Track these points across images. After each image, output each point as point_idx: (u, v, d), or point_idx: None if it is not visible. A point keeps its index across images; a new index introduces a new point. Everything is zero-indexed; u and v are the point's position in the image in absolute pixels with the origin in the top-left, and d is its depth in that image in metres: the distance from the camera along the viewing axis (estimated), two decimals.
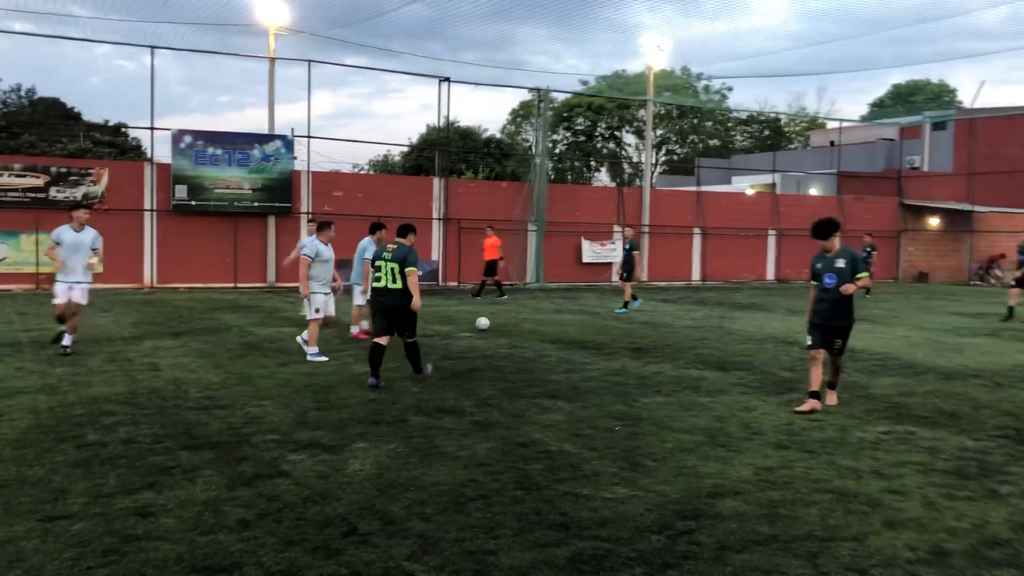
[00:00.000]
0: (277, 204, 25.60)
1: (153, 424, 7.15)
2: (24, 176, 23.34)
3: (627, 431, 7.19)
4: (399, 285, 9.11)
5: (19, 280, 22.99)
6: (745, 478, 5.84)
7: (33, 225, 23.15)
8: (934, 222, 36.50)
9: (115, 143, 43.31)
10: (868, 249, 26.09)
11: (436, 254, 27.92)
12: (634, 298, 19.28)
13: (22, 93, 48.38)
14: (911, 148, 41.38)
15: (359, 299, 13.25)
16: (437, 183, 28.31)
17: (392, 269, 9.13)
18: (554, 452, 6.46)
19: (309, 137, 26.65)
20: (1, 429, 6.84)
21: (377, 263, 9.32)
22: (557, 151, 58.72)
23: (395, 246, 9.35)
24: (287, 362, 10.64)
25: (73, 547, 4.36)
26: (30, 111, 44.13)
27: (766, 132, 63.42)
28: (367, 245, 12.74)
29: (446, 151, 31.75)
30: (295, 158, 26.20)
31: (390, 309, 9.18)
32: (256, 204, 25.31)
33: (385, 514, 4.99)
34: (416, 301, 9.12)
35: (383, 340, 9.16)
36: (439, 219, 27.86)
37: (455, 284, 27.44)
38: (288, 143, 25.90)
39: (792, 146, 61.63)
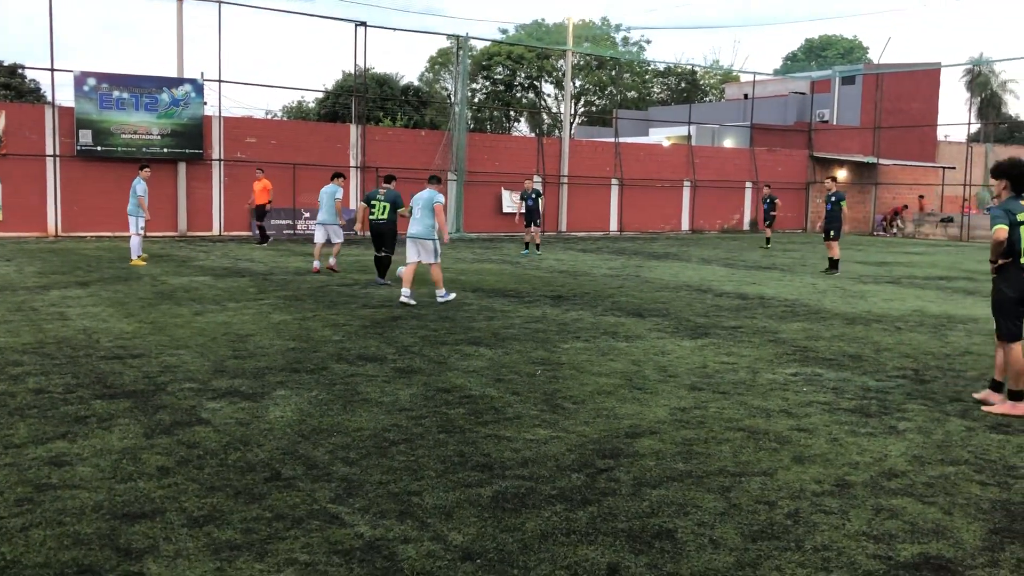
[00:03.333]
0: (188, 150, 24.77)
1: (64, 374, 6.95)
2: None
3: (548, 375, 7.32)
4: (387, 217, 13.60)
5: None
6: (661, 418, 6.04)
7: None
8: (842, 174, 37.66)
9: (11, 85, 41.11)
10: (769, 199, 26.68)
11: (354, 203, 27.53)
12: (526, 246, 20.56)
13: None
14: (821, 102, 42.41)
15: (325, 237, 15.55)
16: (354, 130, 27.82)
17: (385, 207, 13.60)
18: (476, 396, 6.54)
19: (220, 81, 25.77)
20: None
21: (372, 202, 13.74)
22: (476, 100, 58.22)
23: (385, 190, 13.72)
24: (202, 311, 10.42)
25: None
26: None
27: (682, 85, 64.07)
28: (334, 190, 15.47)
29: (362, 98, 31.17)
30: (205, 103, 25.37)
31: (380, 233, 13.73)
32: (165, 150, 24.45)
33: (308, 459, 5.00)
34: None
35: (381, 253, 13.87)
36: (356, 167, 27.43)
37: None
38: (198, 87, 25.01)
39: (707, 99, 62.47)
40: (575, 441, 5.45)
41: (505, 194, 29.90)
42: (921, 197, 38.62)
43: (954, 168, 38.68)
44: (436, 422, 5.83)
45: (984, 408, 6.48)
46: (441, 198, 11.52)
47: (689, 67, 61.51)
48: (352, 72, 33.60)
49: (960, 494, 4.66)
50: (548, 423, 5.86)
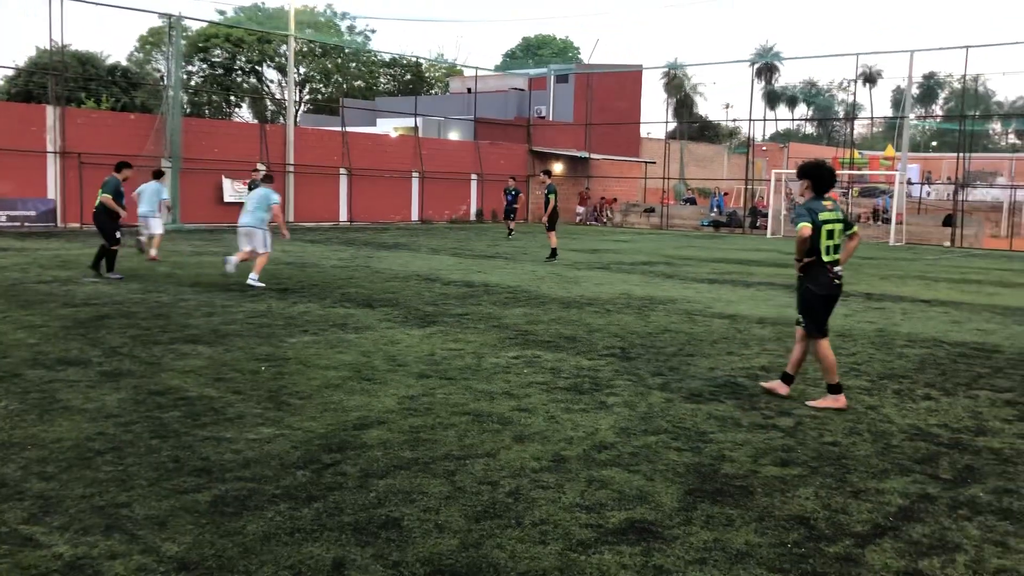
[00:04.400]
0: None
1: None
2: None
3: (273, 372, 7.10)
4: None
5: None
6: (390, 408, 6.06)
7: None
8: (558, 168, 39.86)
9: None
10: (514, 192, 27.58)
11: (53, 192, 25.01)
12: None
13: None
14: (538, 99, 44.62)
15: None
16: (51, 112, 25.22)
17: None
18: (194, 398, 6.20)
19: None
20: None
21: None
22: (193, 83, 54.96)
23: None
24: None
25: None
26: None
27: (408, 76, 64.61)
28: (158, 189, 15.65)
29: (61, 76, 28.34)
30: None
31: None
32: None
33: None
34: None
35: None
36: (55, 152, 24.91)
37: (77, 225, 24.82)
38: None
39: (433, 91, 63.48)
40: (301, 437, 5.33)
41: (226, 183, 28.53)
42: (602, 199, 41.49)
43: (655, 163, 42.31)
44: (148, 427, 5.45)
45: (808, 403, 6.54)
46: (277, 198, 12.77)
47: (414, 59, 62.16)
48: (48, 48, 30.44)
49: (660, 461, 5.11)
50: (272, 421, 5.68)
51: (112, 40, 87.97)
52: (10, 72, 43.85)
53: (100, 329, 8.77)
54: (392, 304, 11.13)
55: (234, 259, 12.74)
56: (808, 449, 5.44)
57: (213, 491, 4.38)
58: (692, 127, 65.84)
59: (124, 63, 53.05)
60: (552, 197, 18.93)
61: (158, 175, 15.93)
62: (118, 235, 13.17)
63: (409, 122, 39.23)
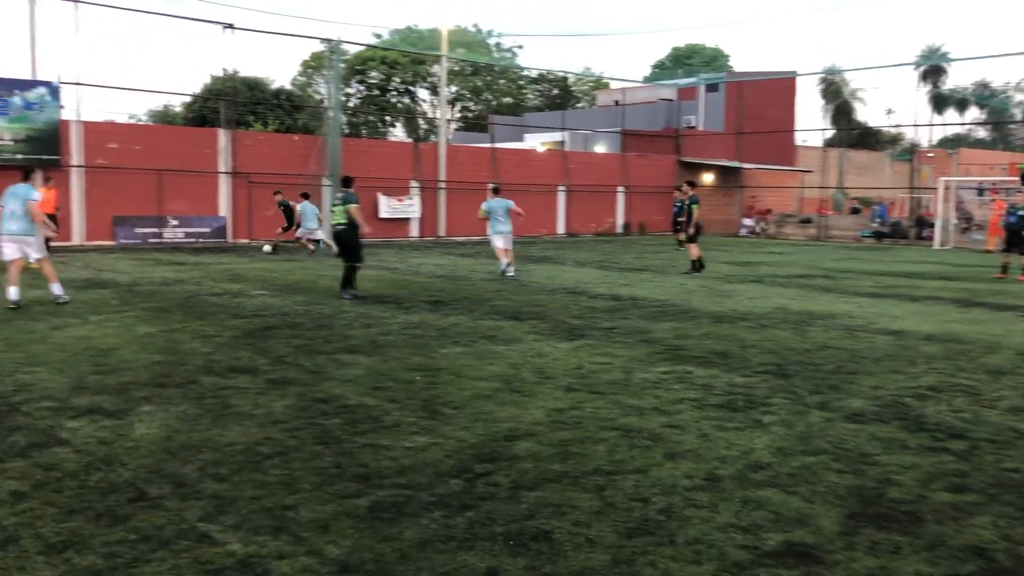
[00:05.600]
0: (44, 156, 23.43)
1: None
2: None
3: (426, 382, 7.29)
4: (346, 221, 13.08)
5: None
6: (538, 420, 6.11)
7: None
8: (708, 178, 39.11)
9: None
10: (680, 203, 26.81)
11: (224, 210, 26.71)
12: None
13: None
14: (688, 108, 43.99)
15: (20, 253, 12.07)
16: (223, 135, 26.98)
17: (344, 211, 13.07)
18: (354, 406, 6.45)
19: (78, 84, 24.52)
20: None
21: (333, 208, 13.47)
22: (351, 105, 57.45)
23: (344, 193, 13.25)
24: (61, 325, 9.88)
25: None
26: None
27: (555, 91, 65.15)
28: (27, 191, 11.95)
29: (232, 101, 30.28)
30: (63, 107, 24.05)
31: (339, 240, 13.44)
32: (20, 156, 23.04)
33: (176, 477, 4.81)
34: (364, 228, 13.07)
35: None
36: (227, 173, 26.61)
37: (246, 241, 26.40)
38: (54, 90, 23.70)
39: (580, 105, 63.72)
40: (453, 447, 5.45)
41: (382, 199, 29.64)
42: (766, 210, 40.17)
43: (811, 171, 40.82)
44: (312, 433, 5.71)
45: None
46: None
47: (562, 74, 62.65)
48: (220, 75, 32.56)
49: (820, 483, 4.90)
50: (426, 430, 5.83)
51: (278, 65, 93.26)
52: (187, 99, 47.26)
53: (267, 339, 9.27)
54: (539, 317, 11.21)
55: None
56: (985, 475, 5.09)
57: (372, 496, 4.54)
58: (851, 134, 63.11)
59: (288, 87, 56.15)
60: (695, 208, 18.58)
61: (27, 174, 11.96)
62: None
63: (556, 136, 39.53)
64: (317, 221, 22.84)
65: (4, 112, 22.87)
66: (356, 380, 7.32)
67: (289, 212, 23.37)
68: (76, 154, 24.15)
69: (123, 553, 3.78)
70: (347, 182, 13.76)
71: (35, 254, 11.65)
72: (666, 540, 4.05)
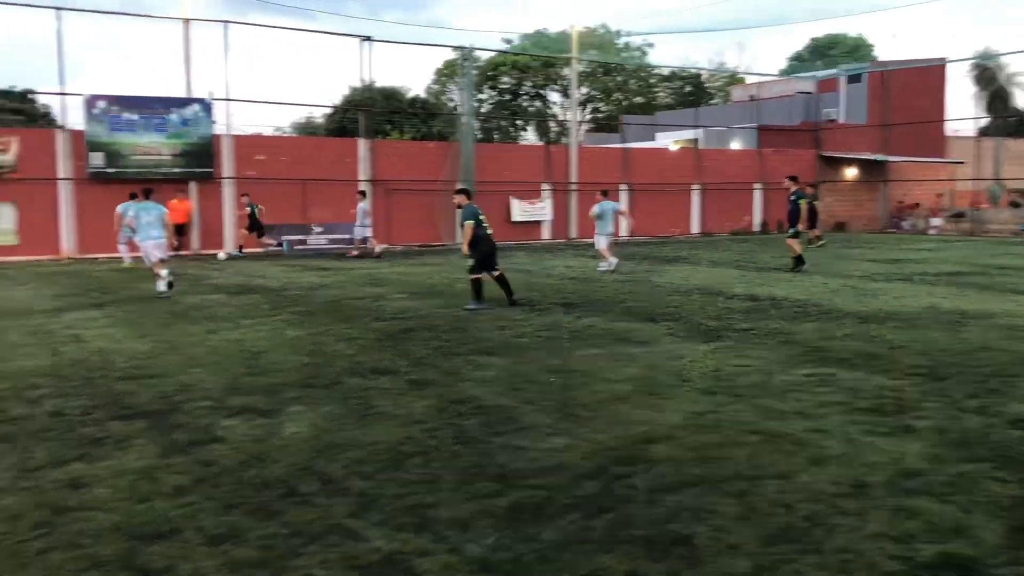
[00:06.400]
0: (198, 169, 24.94)
1: (81, 396, 7.00)
2: None
3: (562, 383, 7.32)
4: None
5: None
6: (676, 423, 6.02)
7: None
8: (851, 173, 37.51)
9: (23, 110, 41.48)
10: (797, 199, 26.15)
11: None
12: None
13: None
14: (828, 101, 42.32)
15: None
16: (362, 145, 27.92)
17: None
18: (490, 407, 6.54)
19: (228, 100, 25.93)
20: None
21: (480, 217, 12.34)
22: (483, 110, 58.34)
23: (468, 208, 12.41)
24: (216, 329, 10.47)
25: (3, 521, 4.28)
26: None
27: (687, 88, 64.05)
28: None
29: (370, 112, 31.30)
30: (214, 122, 25.49)
31: (495, 249, 12.66)
32: (177, 170, 24.62)
33: (324, 474, 5.01)
34: (464, 247, 12.34)
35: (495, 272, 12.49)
36: (367, 181, 27.52)
37: (386, 246, 27.21)
38: (207, 106, 25.16)
39: (713, 101, 62.40)
40: (591, 448, 5.45)
41: (514, 203, 29.93)
42: (939, 195, 38.19)
43: (963, 163, 38.50)
44: (450, 433, 5.83)
45: None
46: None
47: (694, 71, 61.52)
48: (359, 86, 33.73)
49: (979, 492, 4.62)
50: (563, 431, 5.85)
51: (412, 74, 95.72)
52: (328, 111, 49.18)
53: (407, 341, 9.53)
54: (674, 318, 11.05)
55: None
56: None
57: (510, 497, 4.60)
58: (1008, 122, 59.12)
59: (423, 95, 57.56)
60: (802, 203, 17.99)
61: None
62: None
63: (689, 134, 38.86)
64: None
65: (163, 129, 24.45)
66: (492, 381, 7.43)
67: (254, 217, 24.12)
68: (227, 166, 25.55)
69: (276, 546, 3.98)
70: (466, 194, 12.78)
71: (162, 255, 14.51)
72: (812, 548, 3.91)
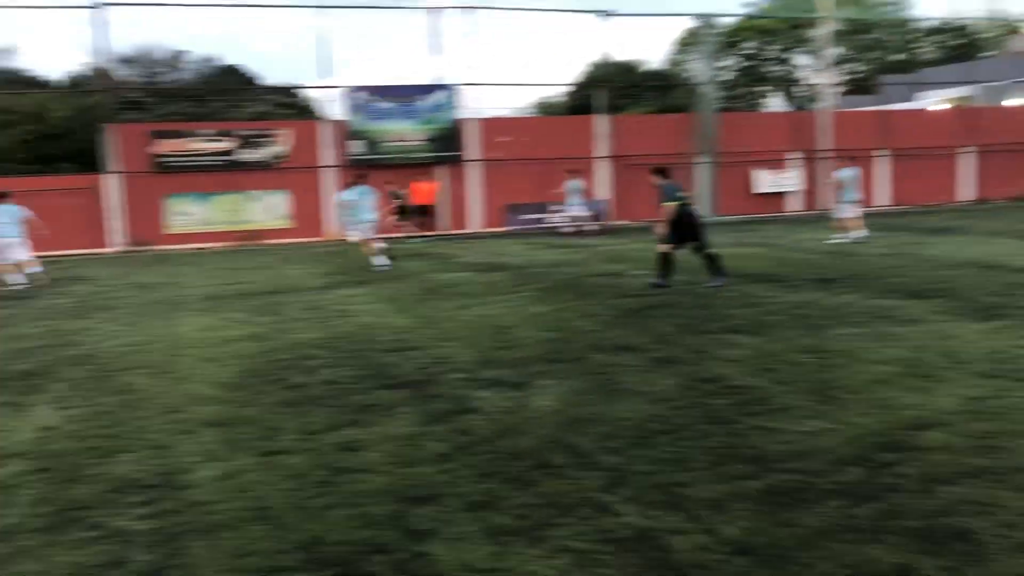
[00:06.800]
0: (446, 153, 26.18)
1: (350, 366, 7.57)
2: (215, 141, 25.01)
3: (817, 364, 6.94)
4: None
5: (213, 238, 24.80)
6: (950, 409, 5.52)
7: (224, 186, 24.83)
8: None
9: (294, 104, 45.45)
10: None
11: (604, 193, 27.75)
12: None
13: (208, 63, 51.57)
14: None
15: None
16: (601, 121, 28.02)
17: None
18: (740, 387, 6.34)
19: (473, 84, 26.96)
20: (218, 374, 7.46)
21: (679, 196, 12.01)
22: (725, 79, 56.51)
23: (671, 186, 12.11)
24: (466, 305, 10.95)
25: (291, 479, 4.73)
26: (217, 79, 46.92)
27: (956, 42, 58.32)
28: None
29: (608, 87, 31.30)
30: (460, 107, 26.61)
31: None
32: (426, 155, 26.00)
33: (574, 448, 5.08)
34: (659, 228, 11.94)
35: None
36: (606, 157, 27.62)
37: (627, 222, 27.21)
38: (452, 92, 26.31)
39: (988, 54, 56.42)
40: (852, 433, 5.12)
41: (760, 174, 28.82)
42: None
43: None
44: (700, 413, 5.71)
45: None
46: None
47: (965, 21, 55.88)
48: (597, 63, 33.83)
49: None
50: (820, 414, 5.55)
51: (650, 46, 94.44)
52: (567, 89, 49.75)
53: (648, 318, 9.46)
54: (944, 295, 10.13)
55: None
56: None
57: (765, 480, 4.43)
58: None
59: (661, 67, 56.69)
60: None
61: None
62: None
63: (959, 92, 35.42)
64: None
65: (414, 116, 25.90)
66: (742, 361, 7.19)
67: (402, 203, 24.61)
68: (473, 149, 26.60)
69: (532, 516, 4.09)
70: (663, 172, 12.27)
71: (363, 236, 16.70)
72: None
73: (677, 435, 5.25)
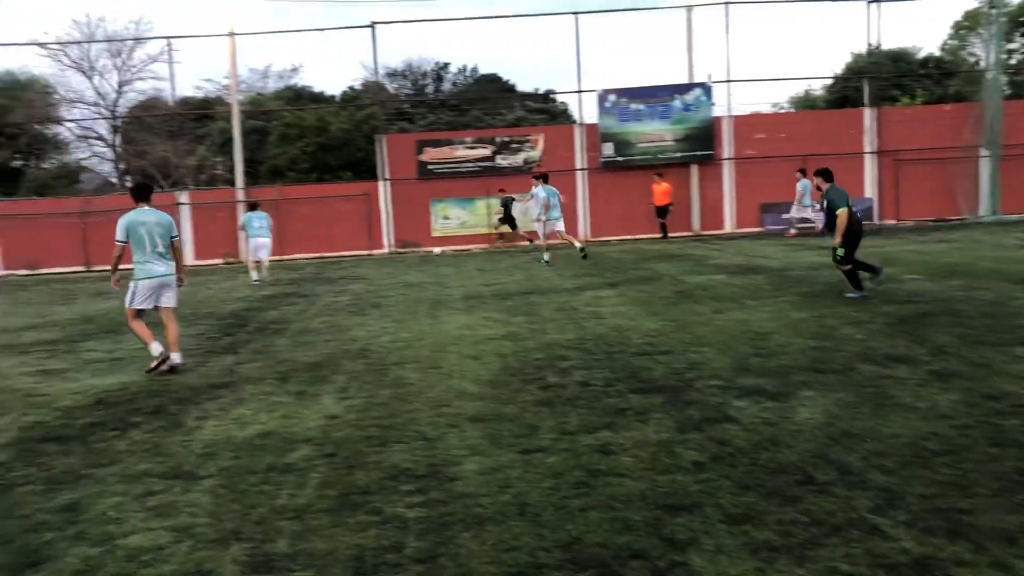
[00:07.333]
0: (699, 152, 25.76)
1: (603, 368, 7.67)
2: (475, 148, 26.27)
3: None
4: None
5: (476, 240, 26.04)
6: None
7: (484, 191, 25.99)
8: None
9: (547, 109, 46.65)
10: None
11: (870, 191, 26.05)
12: None
13: (467, 73, 54.22)
14: None
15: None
16: (868, 114, 26.32)
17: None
18: None
19: (728, 82, 26.29)
20: (479, 371, 7.83)
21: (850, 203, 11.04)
22: (1013, 62, 50.98)
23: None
24: (721, 309, 10.71)
25: (550, 478, 4.87)
26: (475, 88, 49.18)
27: None
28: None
29: (875, 77, 29.29)
30: (715, 104, 26.06)
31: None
32: (679, 154, 25.73)
33: (841, 464, 4.82)
34: (836, 239, 10.86)
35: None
36: (872, 153, 25.90)
37: (893, 222, 25.38)
38: (707, 90, 25.84)
39: None
40: None
41: None
42: None
43: None
44: (984, 433, 5.21)
45: None
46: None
47: None
48: (863, 52, 31.81)
49: None
50: None
51: (923, 32, 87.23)
52: (828, 81, 47.09)
53: (924, 327, 8.76)
54: None
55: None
56: None
57: None
58: None
59: (936, 53, 52.15)
60: None
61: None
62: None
63: None
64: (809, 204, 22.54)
65: (666, 116, 25.70)
66: None
67: (508, 211, 24.98)
68: (727, 147, 25.95)
69: (796, 533, 3.93)
70: (826, 175, 11.35)
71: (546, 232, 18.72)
72: None
73: (958, 456, 4.83)
